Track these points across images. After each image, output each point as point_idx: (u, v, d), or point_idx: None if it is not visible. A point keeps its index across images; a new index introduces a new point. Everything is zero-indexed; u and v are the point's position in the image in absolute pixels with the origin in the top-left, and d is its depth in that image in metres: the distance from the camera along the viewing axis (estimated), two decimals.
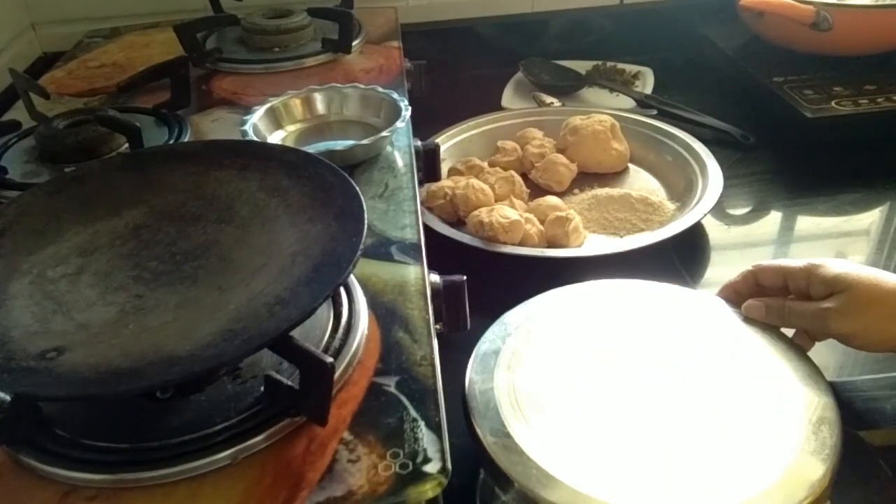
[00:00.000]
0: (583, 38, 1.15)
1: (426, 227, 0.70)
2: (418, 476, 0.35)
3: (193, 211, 0.47)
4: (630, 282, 0.55)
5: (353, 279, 0.47)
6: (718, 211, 0.76)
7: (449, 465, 0.35)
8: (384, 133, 0.61)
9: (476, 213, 0.71)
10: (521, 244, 0.69)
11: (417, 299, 0.46)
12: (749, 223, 0.76)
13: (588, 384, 0.46)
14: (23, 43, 1.01)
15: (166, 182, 0.49)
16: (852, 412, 0.53)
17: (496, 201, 0.75)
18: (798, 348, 0.49)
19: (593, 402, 0.45)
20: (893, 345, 0.48)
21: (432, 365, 0.41)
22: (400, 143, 0.65)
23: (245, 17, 0.88)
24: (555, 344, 0.49)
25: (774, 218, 0.75)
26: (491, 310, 0.53)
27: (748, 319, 0.51)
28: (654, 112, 0.94)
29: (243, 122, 0.64)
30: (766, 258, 0.70)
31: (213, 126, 0.71)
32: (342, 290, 0.46)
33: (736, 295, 0.54)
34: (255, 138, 0.62)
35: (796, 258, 0.52)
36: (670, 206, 0.77)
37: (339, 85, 0.70)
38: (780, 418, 0.43)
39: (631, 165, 0.86)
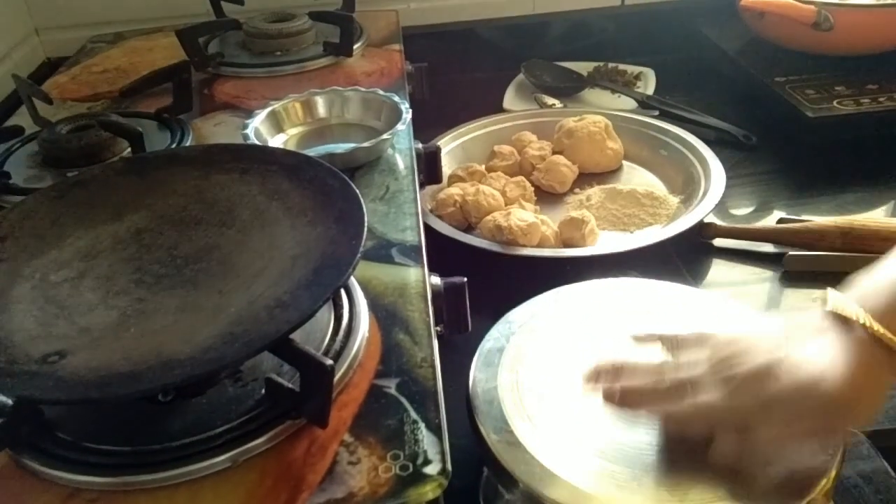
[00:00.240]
0: (584, 40, 1.15)
1: (437, 234, 0.70)
2: (418, 478, 0.35)
3: (194, 215, 0.47)
4: (633, 280, 0.55)
5: (353, 281, 0.47)
6: (721, 210, 0.76)
7: (449, 467, 0.35)
8: (385, 136, 0.62)
9: (490, 217, 0.72)
10: (537, 246, 0.69)
11: (418, 301, 0.46)
12: (751, 223, 0.76)
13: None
14: (26, 48, 1.02)
15: (168, 186, 0.49)
16: None
17: (506, 205, 0.76)
18: None
19: (597, 400, 0.45)
20: None
21: (433, 367, 0.41)
22: (401, 146, 0.65)
23: (247, 22, 0.88)
24: (559, 342, 0.49)
25: (777, 218, 0.75)
26: (495, 311, 0.53)
27: (751, 319, 0.51)
28: (656, 113, 0.94)
29: (245, 126, 0.64)
30: (767, 258, 0.71)
31: (215, 130, 0.71)
32: (343, 292, 0.46)
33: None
34: (256, 142, 0.63)
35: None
36: (674, 199, 0.78)
37: (340, 88, 0.71)
38: None
39: (625, 163, 0.86)
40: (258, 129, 0.65)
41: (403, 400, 0.39)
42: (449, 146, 0.86)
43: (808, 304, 0.63)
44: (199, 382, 0.40)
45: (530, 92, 1.04)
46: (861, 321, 0.37)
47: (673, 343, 0.43)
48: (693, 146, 0.82)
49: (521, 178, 0.80)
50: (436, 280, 0.50)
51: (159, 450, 0.37)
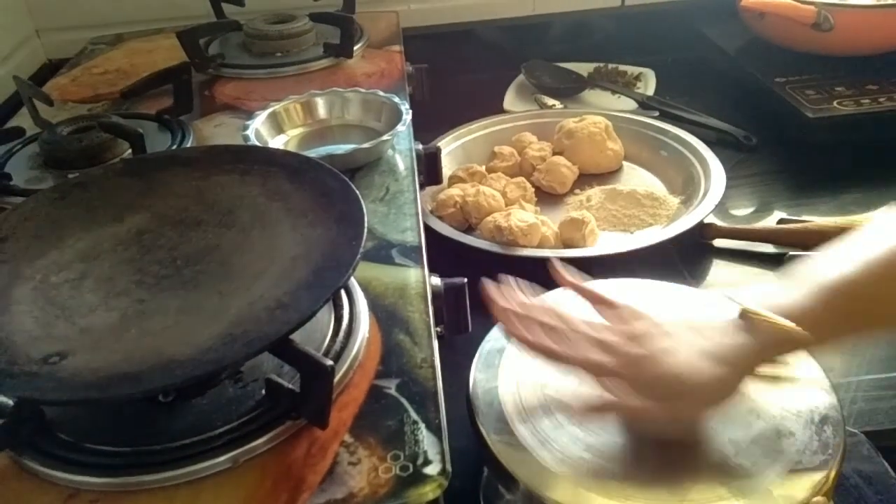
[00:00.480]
0: (584, 40, 1.15)
1: (437, 234, 0.70)
2: (419, 478, 0.35)
3: (195, 216, 0.47)
4: (633, 280, 0.55)
5: (353, 282, 0.47)
6: (721, 211, 0.76)
7: (449, 467, 0.35)
8: (385, 137, 0.62)
9: (490, 218, 0.72)
10: (538, 247, 0.69)
11: (418, 302, 0.46)
12: (751, 223, 0.76)
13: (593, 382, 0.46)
14: (27, 50, 1.02)
15: (168, 187, 0.49)
16: (856, 412, 0.53)
17: (506, 206, 0.76)
18: None
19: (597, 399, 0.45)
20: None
21: (433, 367, 0.41)
22: (401, 147, 0.65)
23: (247, 23, 0.88)
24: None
25: (777, 218, 0.75)
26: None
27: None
28: (656, 113, 0.94)
29: (245, 127, 0.64)
30: (767, 259, 0.71)
31: (216, 131, 0.71)
32: (343, 293, 0.46)
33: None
34: (256, 143, 0.63)
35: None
36: (674, 199, 0.78)
37: (340, 89, 0.71)
38: (784, 418, 0.43)
39: (626, 163, 0.87)
40: (258, 130, 0.65)
41: (403, 400, 0.39)
42: (449, 147, 0.86)
43: None
44: (200, 383, 0.40)
45: (530, 93, 1.04)
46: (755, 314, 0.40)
47: (605, 307, 0.46)
48: (693, 147, 0.82)
49: (521, 178, 0.80)
50: (436, 281, 0.50)
51: (160, 450, 0.37)
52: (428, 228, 0.66)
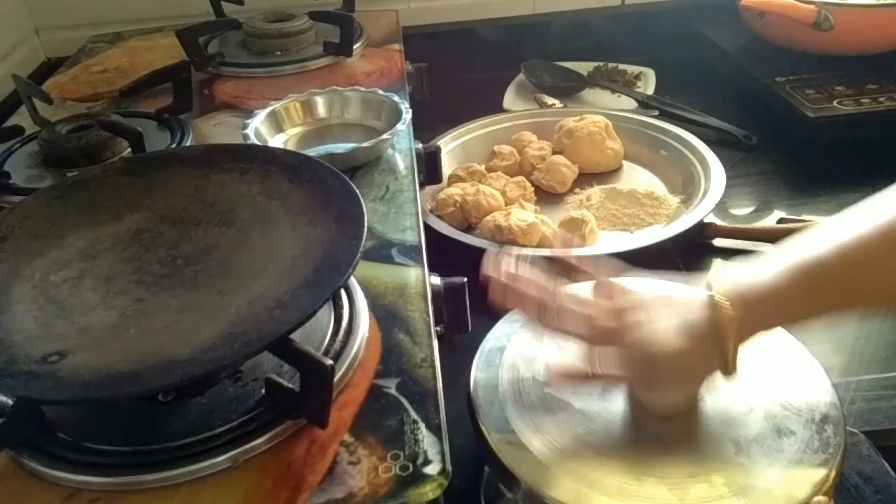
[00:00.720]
0: (584, 40, 1.15)
1: (437, 234, 0.70)
2: (418, 478, 0.35)
3: (194, 215, 0.47)
4: (633, 279, 0.55)
5: (353, 282, 0.47)
6: (721, 210, 0.76)
7: (449, 467, 0.35)
8: (385, 136, 0.62)
9: (490, 217, 0.72)
10: (537, 246, 0.69)
11: (418, 301, 0.46)
12: (751, 223, 0.76)
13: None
14: (26, 48, 1.02)
15: (168, 186, 0.49)
16: (856, 412, 0.53)
17: (506, 205, 0.76)
18: (803, 348, 0.49)
19: (598, 399, 0.45)
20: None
21: (433, 367, 0.41)
22: (401, 146, 0.65)
23: (247, 22, 0.88)
24: (560, 342, 0.49)
25: (777, 218, 0.75)
26: (497, 311, 0.53)
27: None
28: (656, 113, 0.94)
29: (245, 126, 0.64)
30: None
31: (215, 130, 0.71)
32: (343, 292, 0.46)
33: None
34: (256, 142, 0.63)
35: None
36: (674, 199, 0.78)
37: (340, 88, 0.71)
38: (784, 417, 0.43)
39: (625, 163, 0.87)
40: (258, 129, 0.65)
41: (403, 400, 0.39)
42: (449, 146, 0.86)
43: None
44: (200, 382, 0.40)
45: (530, 92, 1.04)
46: (716, 298, 0.41)
47: (600, 285, 0.47)
48: (693, 146, 0.82)
49: (521, 178, 0.80)
50: (436, 280, 0.50)
51: (159, 450, 0.37)
52: (428, 228, 0.66)
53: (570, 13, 1.12)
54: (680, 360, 0.41)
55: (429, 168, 0.67)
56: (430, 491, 0.34)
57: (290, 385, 0.37)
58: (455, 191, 0.77)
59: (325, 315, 0.44)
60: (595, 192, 0.80)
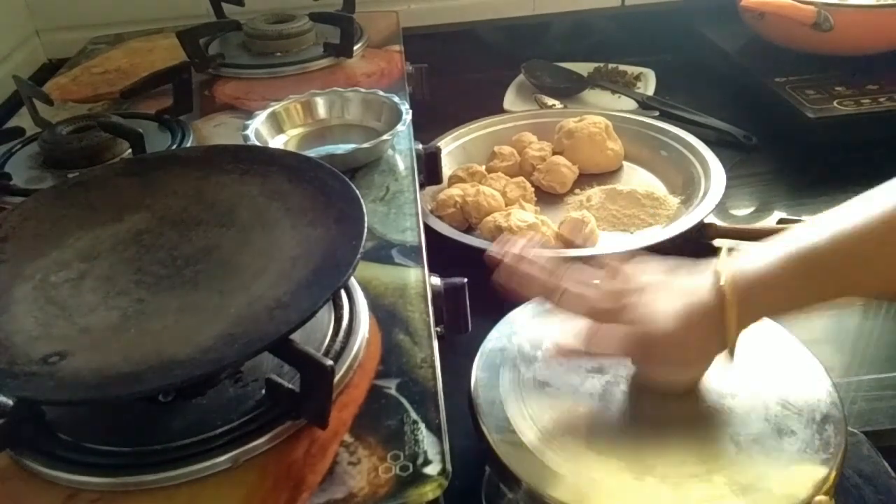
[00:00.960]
0: (584, 40, 1.15)
1: (437, 234, 0.70)
2: (418, 478, 0.35)
3: (195, 215, 0.47)
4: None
5: (353, 282, 0.47)
6: (721, 211, 0.76)
7: (449, 467, 0.35)
8: (385, 137, 0.62)
9: (490, 217, 0.72)
10: None
11: (418, 302, 0.46)
12: (752, 223, 0.76)
13: (594, 381, 0.46)
14: (27, 50, 1.02)
15: (168, 187, 0.49)
16: (856, 412, 0.53)
17: (506, 206, 0.76)
18: (803, 348, 0.49)
19: (599, 399, 0.45)
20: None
21: (433, 367, 0.41)
22: (401, 147, 0.65)
23: (247, 23, 0.88)
24: (560, 342, 0.49)
25: (777, 218, 0.75)
26: (495, 311, 0.53)
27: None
28: (656, 113, 0.94)
29: (245, 127, 0.64)
30: None
31: (216, 131, 0.71)
32: (343, 293, 0.46)
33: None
34: (256, 143, 0.63)
35: None
36: (674, 200, 0.78)
37: (340, 89, 0.71)
38: (785, 417, 0.43)
39: (626, 163, 0.87)
40: (258, 130, 0.65)
41: (403, 400, 0.39)
42: (449, 147, 0.86)
43: None
44: (200, 383, 0.40)
45: (530, 92, 1.04)
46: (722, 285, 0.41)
47: (608, 270, 0.48)
48: (693, 147, 0.82)
49: (521, 178, 0.80)
50: (436, 280, 0.50)
51: (160, 450, 0.37)
52: (428, 228, 0.66)
53: (570, 13, 1.12)
54: (678, 340, 0.42)
55: (429, 169, 0.67)
56: (431, 491, 0.34)
57: (290, 385, 0.37)
58: (455, 191, 0.77)
59: (325, 315, 0.44)
60: (595, 192, 0.80)
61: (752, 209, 0.80)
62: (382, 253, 0.51)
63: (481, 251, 0.68)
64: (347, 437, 0.37)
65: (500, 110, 0.99)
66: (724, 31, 1.07)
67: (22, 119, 0.75)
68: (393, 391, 0.40)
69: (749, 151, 0.88)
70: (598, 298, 0.45)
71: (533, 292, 0.48)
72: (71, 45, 0.98)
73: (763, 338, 0.49)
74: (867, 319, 0.61)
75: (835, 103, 0.85)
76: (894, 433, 0.51)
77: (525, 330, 0.51)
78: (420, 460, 0.36)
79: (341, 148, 0.64)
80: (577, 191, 0.82)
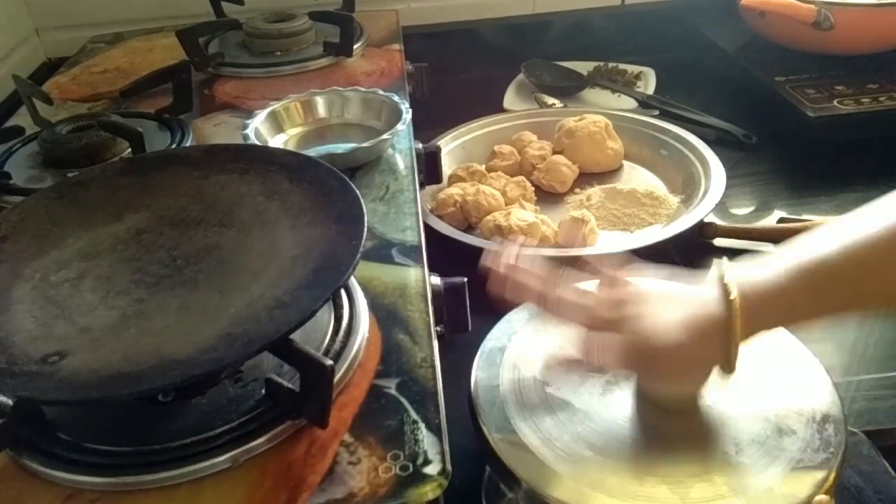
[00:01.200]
0: (584, 39, 1.15)
1: (437, 234, 0.70)
2: (418, 478, 0.35)
3: (194, 215, 0.47)
4: (637, 274, 0.55)
5: (353, 282, 0.47)
6: (721, 210, 0.76)
7: (449, 467, 0.35)
8: (385, 136, 0.62)
9: (490, 217, 0.72)
10: (538, 246, 0.69)
11: (418, 301, 0.46)
12: (752, 223, 0.76)
13: (594, 381, 0.46)
14: (27, 49, 1.02)
15: (168, 186, 0.49)
16: (856, 411, 0.53)
17: (506, 205, 0.76)
18: (803, 347, 0.49)
19: (599, 398, 0.45)
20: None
21: (433, 367, 0.41)
22: (401, 146, 0.65)
23: (247, 22, 0.88)
24: (560, 341, 0.49)
25: (777, 218, 0.75)
26: (495, 311, 0.53)
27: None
28: (656, 112, 0.94)
29: (245, 126, 0.64)
30: None
31: (216, 130, 0.71)
32: (343, 292, 0.46)
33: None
34: (256, 142, 0.63)
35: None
36: (674, 199, 0.78)
37: (340, 88, 0.71)
38: (785, 416, 0.43)
39: (626, 162, 0.87)
40: (258, 129, 0.65)
41: (403, 400, 0.39)
42: (449, 146, 0.86)
43: None
44: (200, 383, 0.40)
45: (530, 92, 1.04)
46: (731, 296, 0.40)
47: (605, 278, 0.47)
48: (693, 146, 0.82)
49: (521, 177, 0.80)
50: (436, 280, 0.50)
51: (159, 450, 0.37)
52: (428, 228, 0.66)
53: (570, 13, 1.12)
54: (679, 353, 0.41)
55: (429, 168, 0.67)
56: (430, 491, 0.34)
57: (290, 385, 0.37)
58: (455, 191, 0.77)
59: (325, 315, 0.44)
60: (595, 191, 0.80)
61: (752, 208, 0.80)
62: (382, 252, 0.51)
63: (481, 250, 0.68)
64: (347, 437, 0.37)
65: (500, 109, 0.99)
66: (724, 30, 1.07)
67: (21, 118, 0.74)
68: (393, 391, 0.40)
69: (749, 150, 0.88)
70: (595, 307, 0.44)
71: (527, 301, 0.47)
72: (70, 44, 0.98)
73: (763, 338, 0.49)
74: (867, 319, 0.61)
75: (835, 102, 0.85)
76: (894, 433, 0.51)
77: (525, 329, 0.51)
78: (420, 460, 0.36)
79: (341, 147, 0.64)
80: (577, 190, 0.82)
